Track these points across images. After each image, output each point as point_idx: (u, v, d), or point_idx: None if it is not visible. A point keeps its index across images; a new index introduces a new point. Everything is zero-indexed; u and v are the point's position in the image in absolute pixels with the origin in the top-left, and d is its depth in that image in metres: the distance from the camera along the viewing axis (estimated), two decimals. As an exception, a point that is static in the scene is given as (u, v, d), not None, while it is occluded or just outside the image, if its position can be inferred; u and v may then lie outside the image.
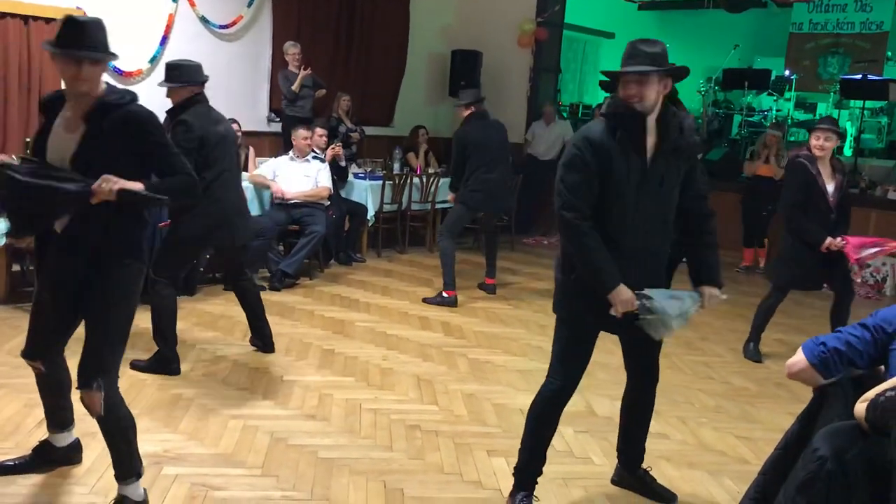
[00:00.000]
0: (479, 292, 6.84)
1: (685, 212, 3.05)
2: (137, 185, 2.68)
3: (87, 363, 2.77)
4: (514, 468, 3.17)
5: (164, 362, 4.43)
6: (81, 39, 2.68)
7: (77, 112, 2.78)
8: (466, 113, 6.55)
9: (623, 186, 2.85)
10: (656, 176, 2.89)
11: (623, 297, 2.83)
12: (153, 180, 2.77)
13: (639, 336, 2.99)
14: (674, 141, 2.90)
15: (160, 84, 4.43)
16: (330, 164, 7.25)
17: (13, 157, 3.62)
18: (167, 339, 4.44)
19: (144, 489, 2.98)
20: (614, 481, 3.47)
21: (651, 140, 2.89)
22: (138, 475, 2.92)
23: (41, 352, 2.98)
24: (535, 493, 3.15)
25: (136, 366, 4.42)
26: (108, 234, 2.77)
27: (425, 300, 6.43)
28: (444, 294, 6.41)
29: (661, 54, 2.82)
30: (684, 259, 3.19)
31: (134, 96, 2.85)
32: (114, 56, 2.79)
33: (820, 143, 5.00)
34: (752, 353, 5.46)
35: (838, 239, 4.95)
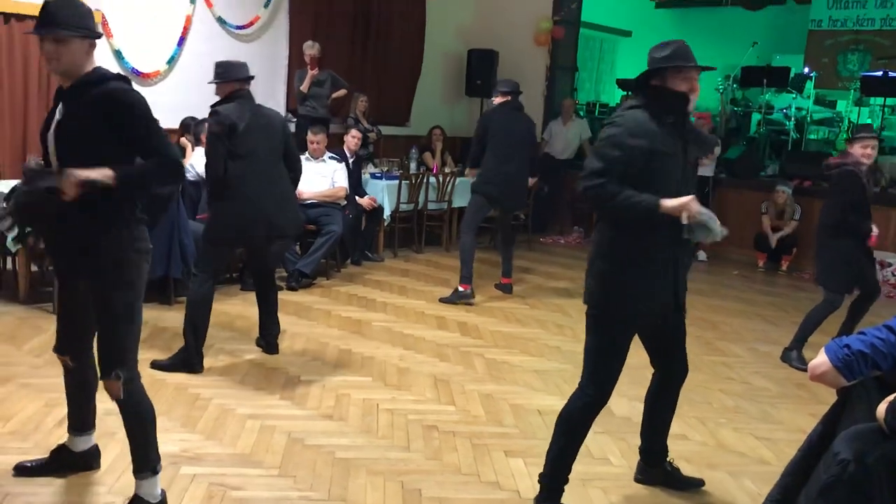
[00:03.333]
0: (495, 292, 6.82)
1: None
2: (105, 173, 2.63)
3: (102, 354, 2.84)
4: (541, 476, 3.11)
5: (187, 361, 4.46)
6: (45, 19, 2.70)
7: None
8: (499, 100, 6.54)
9: (673, 168, 2.94)
10: (688, 164, 3.04)
11: (673, 203, 2.83)
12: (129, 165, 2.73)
13: (670, 328, 3.13)
14: (693, 131, 3.12)
15: (209, 83, 4.55)
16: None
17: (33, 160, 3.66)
18: (197, 334, 4.46)
19: (163, 490, 2.98)
20: (638, 479, 3.46)
21: None
22: (154, 471, 2.91)
23: (66, 347, 3.04)
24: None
25: (157, 365, 4.43)
26: (93, 228, 2.75)
27: (441, 300, 6.42)
28: (460, 288, 6.40)
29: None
30: None
31: (122, 77, 2.82)
32: (81, 32, 2.71)
33: (868, 153, 5.16)
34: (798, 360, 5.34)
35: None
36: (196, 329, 4.46)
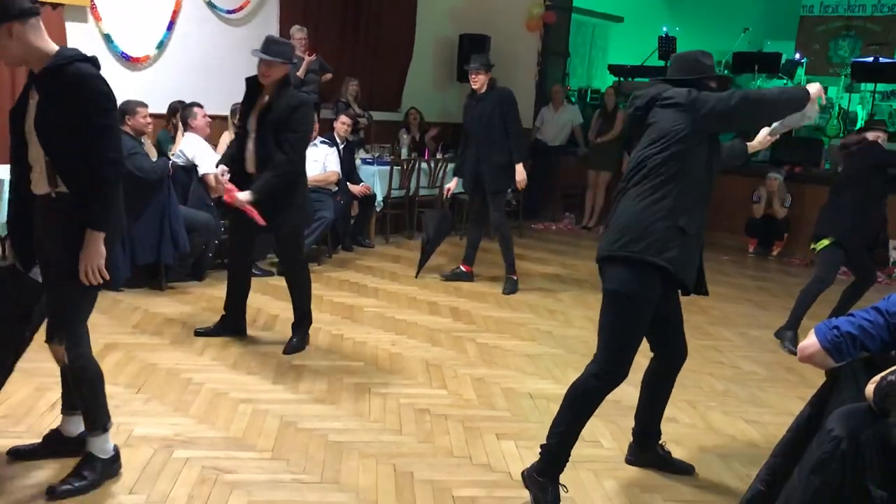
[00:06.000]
0: (487, 277, 6.83)
1: None
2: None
3: (50, 320, 2.93)
4: (544, 448, 3.05)
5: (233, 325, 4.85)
6: None
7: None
8: (487, 79, 6.38)
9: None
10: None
11: (818, 86, 3.05)
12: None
13: (670, 313, 3.18)
14: None
15: (256, 53, 4.39)
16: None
17: None
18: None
19: (115, 445, 3.09)
20: (629, 461, 3.49)
21: None
22: (104, 428, 3.01)
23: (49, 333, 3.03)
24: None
25: (199, 332, 4.83)
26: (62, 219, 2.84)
27: (443, 276, 6.74)
28: (462, 268, 6.70)
29: None
30: None
31: (83, 56, 2.77)
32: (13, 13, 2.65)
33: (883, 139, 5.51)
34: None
35: None
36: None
